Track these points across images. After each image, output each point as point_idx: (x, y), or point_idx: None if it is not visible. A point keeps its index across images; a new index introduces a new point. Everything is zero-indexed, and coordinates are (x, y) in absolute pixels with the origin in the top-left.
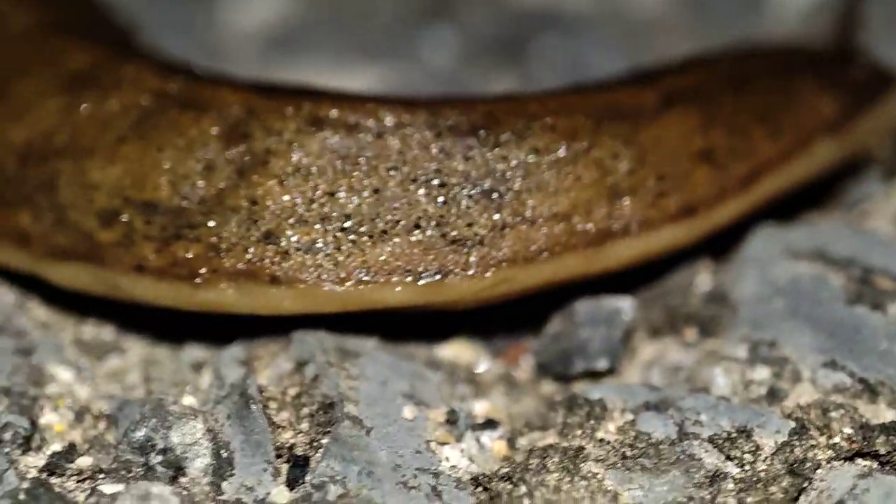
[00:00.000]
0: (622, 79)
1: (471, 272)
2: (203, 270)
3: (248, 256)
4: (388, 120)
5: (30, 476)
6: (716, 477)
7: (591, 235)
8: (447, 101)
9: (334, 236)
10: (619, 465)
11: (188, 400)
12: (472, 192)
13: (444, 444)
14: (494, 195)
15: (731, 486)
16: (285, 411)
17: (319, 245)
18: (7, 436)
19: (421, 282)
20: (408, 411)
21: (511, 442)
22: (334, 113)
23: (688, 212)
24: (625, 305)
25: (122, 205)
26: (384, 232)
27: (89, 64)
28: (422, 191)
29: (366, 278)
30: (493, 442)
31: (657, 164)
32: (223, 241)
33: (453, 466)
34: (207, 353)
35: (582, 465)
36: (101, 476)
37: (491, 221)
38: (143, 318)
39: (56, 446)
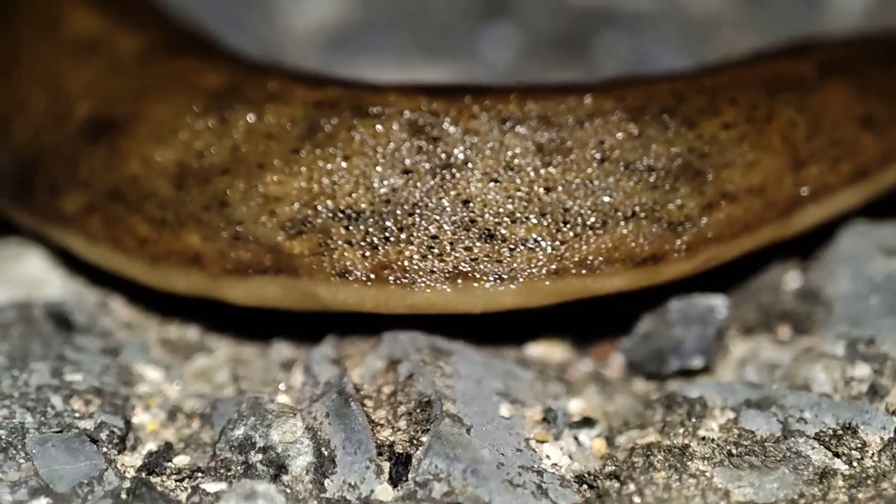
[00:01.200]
0: (765, 53)
1: (684, 254)
2: (419, 272)
3: (467, 255)
4: (583, 109)
5: (129, 475)
6: (825, 474)
7: (781, 206)
8: (622, 83)
9: (552, 230)
10: (726, 462)
11: (283, 398)
12: (678, 173)
13: (542, 442)
14: (698, 174)
15: (840, 482)
16: (382, 409)
17: (538, 239)
18: (103, 435)
19: (639, 267)
20: (504, 409)
21: (609, 440)
22: (530, 107)
23: (860, 175)
24: (718, 304)
25: (312, 214)
26: (603, 222)
27: (227, 81)
28: (633, 176)
29: (585, 269)
30: (592, 440)
31: (829, 130)
32: (438, 242)
33: (555, 464)
34: (295, 352)
35: (689, 463)
36: (201, 475)
37: (699, 201)
38: (226, 318)
39: (151, 445)
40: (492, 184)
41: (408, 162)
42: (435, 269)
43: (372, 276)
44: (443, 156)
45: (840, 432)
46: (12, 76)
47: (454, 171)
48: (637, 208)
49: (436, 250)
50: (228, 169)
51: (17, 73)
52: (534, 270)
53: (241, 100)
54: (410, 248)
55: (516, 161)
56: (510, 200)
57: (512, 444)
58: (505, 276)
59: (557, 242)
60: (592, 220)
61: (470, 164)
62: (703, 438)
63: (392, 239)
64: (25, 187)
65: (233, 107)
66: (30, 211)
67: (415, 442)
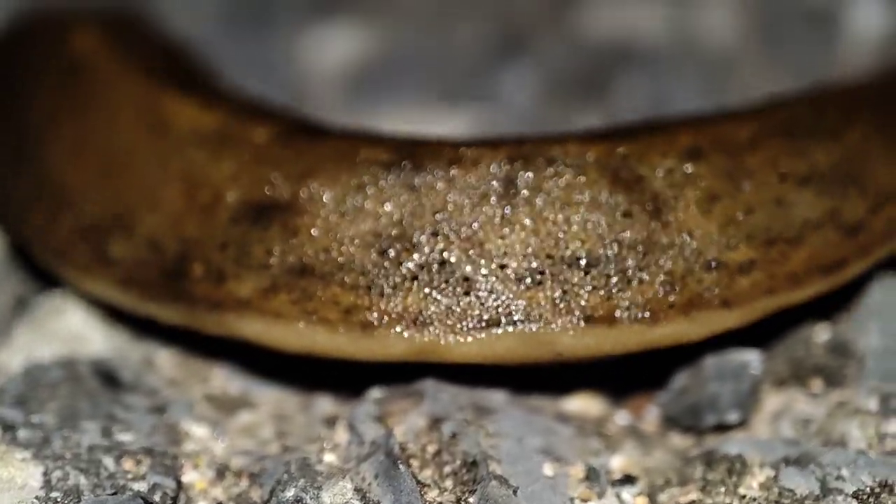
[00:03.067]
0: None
1: (861, 255)
2: (659, 308)
3: (698, 287)
4: (746, 133)
5: None
6: None
7: None
8: (760, 107)
9: (761, 251)
10: None
11: (329, 457)
12: (841, 180)
13: (586, 501)
14: (856, 180)
15: None
16: (428, 469)
17: (753, 261)
18: (157, 497)
19: (828, 274)
20: (548, 468)
21: (651, 497)
22: (704, 140)
23: None
24: (752, 359)
25: (544, 265)
26: (798, 235)
27: (396, 155)
28: (810, 188)
29: (792, 283)
30: (634, 498)
31: None
32: (672, 277)
33: None
34: (337, 407)
35: None
36: None
37: (866, 204)
38: (266, 372)
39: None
40: (703, 216)
41: (622, 206)
42: (673, 304)
43: (611, 319)
44: (651, 196)
45: (878, 490)
46: (123, 175)
47: (667, 208)
48: (820, 218)
49: (672, 284)
50: (437, 232)
51: (128, 171)
52: (754, 292)
53: (422, 168)
54: (652, 287)
55: (714, 190)
56: (721, 229)
57: None
58: (733, 302)
59: (770, 262)
60: (790, 235)
61: (678, 200)
62: (744, 497)
63: (632, 280)
64: (175, 279)
65: (418, 175)
66: (184, 302)
67: (462, 503)
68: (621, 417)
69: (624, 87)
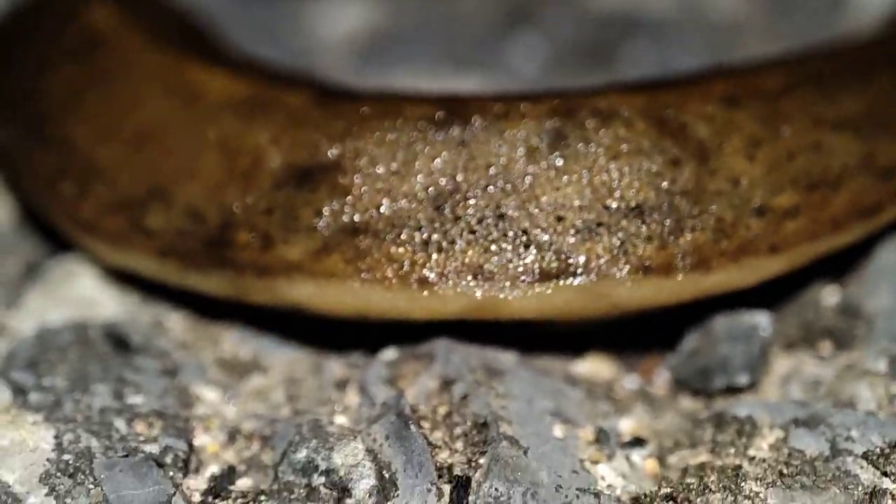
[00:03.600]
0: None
1: (894, 200)
2: (712, 256)
3: (747, 233)
4: (777, 82)
5: (195, 500)
6: (875, 493)
7: None
8: (791, 58)
9: (805, 196)
10: (778, 483)
11: (341, 419)
12: (873, 126)
13: (596, 462)
14: (887, 126)
15: (890, 502)
16: (438, 430)
17: (798, 207)
18: (168, 459)
19: (866, 219)
20: (558, 430)
21: (661, 460)
22: (739, 88)
23: None
24: (762, 320)
25: (601, 216)
26: (838, 180)
27: (438, 110)
28: (845, 133)
29: (834, 228)
30: (644, 460)
31: None
32: (723, 224)
33: (610, 486)
34: (348, 370)
35: (742, 484)
36: (263, 498)
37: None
38: (277, 334)
39: (214, 468)
40: (748, 161)
41: (672, 154)
42: (724, 252)
43: (667, 267)
44: (696, 143)
45: (888, 451)
46: (156, 147)
47: (713, 155)
48: (856, 163)
49: (723, 232)
50: (491, 186)
51: (161, 143)
52: (798, 237)
53: (471, 123)
54: (705, 235)
55: (756, 136)
56: (765, 174)
57: (568, 466)
58: (777, 247)
59: (810, 207)
60: (830, 179)
61: (722, 147)
62: (754, 458)
63: (685, 228)
64: (218, 247)
65: (467, 130)
66: (229, 270)
67: (473, 464)
68: (631, 380)
69: (630, 56)
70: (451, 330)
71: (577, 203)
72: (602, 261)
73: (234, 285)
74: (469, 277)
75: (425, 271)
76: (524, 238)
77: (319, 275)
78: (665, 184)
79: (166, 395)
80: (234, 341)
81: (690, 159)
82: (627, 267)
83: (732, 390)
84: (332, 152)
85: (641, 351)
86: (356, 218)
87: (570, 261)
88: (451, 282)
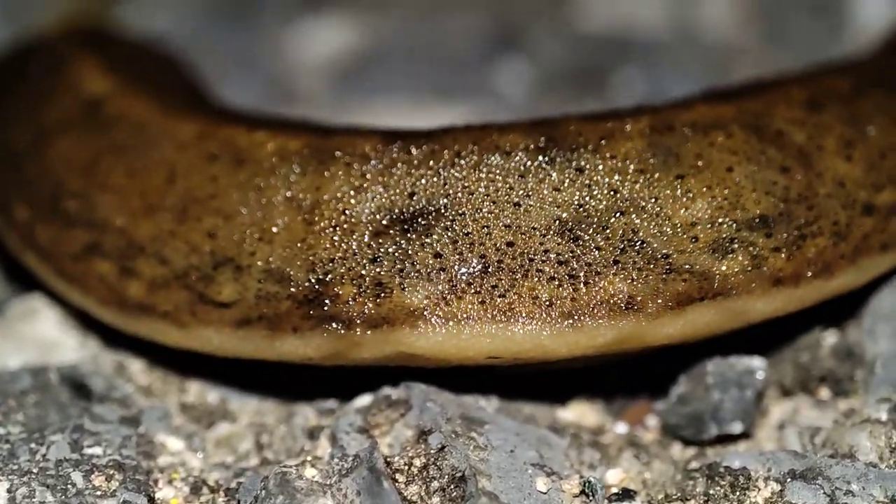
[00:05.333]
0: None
1: None
2: (833, 260)
3: (860, 233)
4: (847, 84)
5: None
6: None
7: None
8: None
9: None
10: None
11: (310, 472)
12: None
13: None
14: None
15: None
16: (414, 484)
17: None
18: None
19: None
20: (541, 483)
21: None
22: (816, 92)
23: None
24: (756, 365)
25: (730, 230)
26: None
27: (536, 140)
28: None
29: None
30: None
31: None
32: (839, 227)
33: None
34: (320, 418)
35: None
36: None
37: None
38: (246, 381)
39: None
40: (847, 162)
41: (779, 158)
42: (843, 255)
43: (797, 276)
44: (796, 148)
45: None
46: (208, 215)
47: (815, 159)
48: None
49: (839, 235)
50: (622, 210)
51: (215, 209)
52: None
53: (575, 148)
54: (824, 238)
55: (847, 136)
56: (866, 173)
57: None
58: (887, 245)
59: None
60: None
61: (821, 150)
62: None
63: (807, 235)
64: (318, 305)
65: (574, 154)
66: (332, 327)
67: None
68: (619, 427)
69: (622, 80)
70: (426, 374)
71: (707, 220)
72: (740, 277)
73: (340, 343)
74: (618, 308)
75: (571, 305)
76: (665, 262)
77: (450, 319)
78: (781, 191)
79: (127, 445)
80: (201, 386)
81: (796, 165)
82: (762, 281)
83: (725, 439)
84: (436, 193)
85: (629, 396)
86: (484, 256)
87: (711, 281)
88: (599, 314)
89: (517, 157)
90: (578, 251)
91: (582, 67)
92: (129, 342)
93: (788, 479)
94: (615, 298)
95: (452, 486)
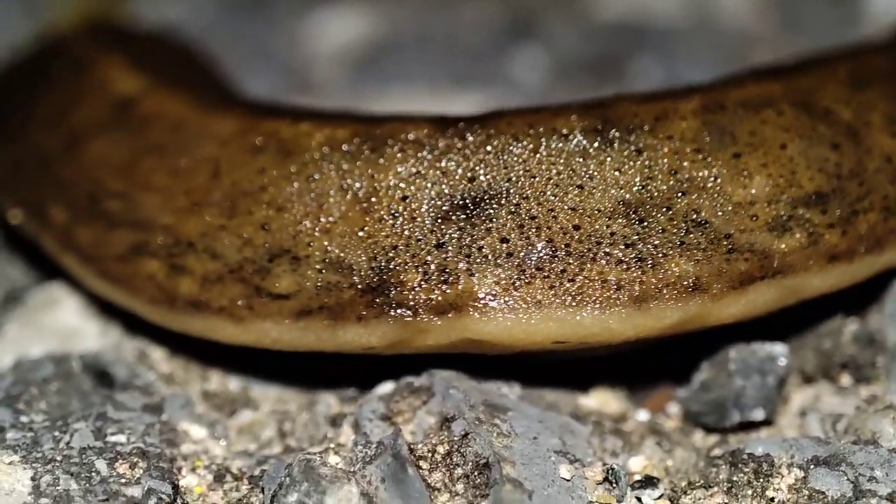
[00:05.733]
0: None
1: None
2: (884, 235)
3: None
4: (884, 63)
5: None
6: None
7: None
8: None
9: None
10: None
11: (334, 459)
12: None
13: None
14: None
15: None
16: (438, 472)
17: None
18: (152, 502)
19: None
20: (564, 470)
21: (673, 501)
22: (858, 69)
23: None
24: (778, 351)
25: (788, 208)
26: None
27: (593, 122)
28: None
29: None
30: (656, 502)
31: None
32: (888, 202)
33: None
34: (342, 406)
35: None
36: None
37: None
38: (267, 368)
39: None
40: (892, 138)
41: (829, 135)
42: (893, 229)
43: (851, 251)
44: (844, 125)
45: None
46: (258, 209)
47: (862, 135)
48: None
49: (889, 210)
50: (683, 191)
51: (265, 203)
52: None
53: (631, 129)
54: (875, 213)
55: (890, 113)
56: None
57: None
58: None
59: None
60: None
61: (868, 126)
62: (773, 500)
63: (859, 211)
64: (381, 293)
65: (631, 136)
66: (398, 314)
67: None
68: (641, 414)
69: (637, 68)
70: (448, 361)
71: (764, 198)
72: (798, 255)
73: (406, 330)
74: (684, 290)
75: (639, 288)
76: (728, 242)
77: (519, 305)
78: (833, 168)
79: (150, 433)
80: (222, 374)
81: (846, 141)
82: (819, 258)
83: (748, 425)
84: (498, 177)
85: (651, 383)
86: (552, 240)
87: (770, 259)
88: (666, 296)
89: (575, 139)
90: (645, 233)
91: (597, 56)
92: (150, 330)
93: (812, 466)
94: (682, 280)
95: (476, 473)
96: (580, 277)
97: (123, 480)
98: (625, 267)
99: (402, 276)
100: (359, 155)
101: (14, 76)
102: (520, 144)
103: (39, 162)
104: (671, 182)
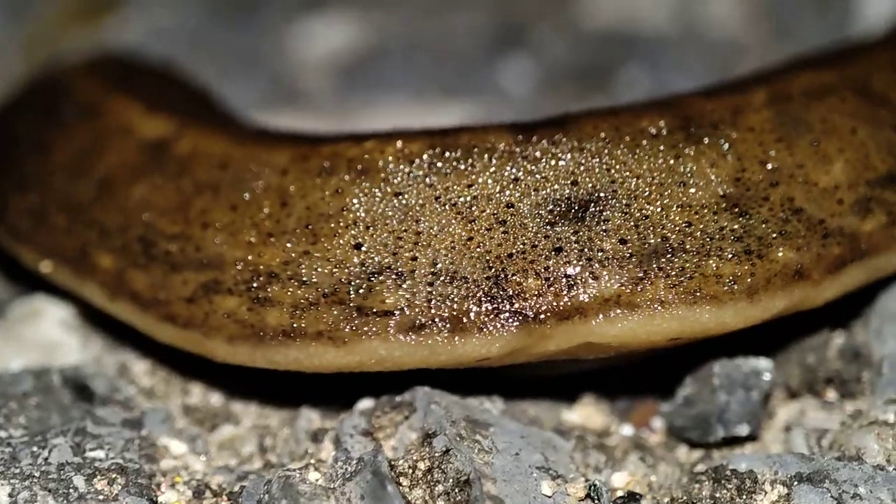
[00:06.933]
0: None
1: None
2: None
3: None
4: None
5: None
6: None
7: None
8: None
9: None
10: None
11: (314, 475)
12: None
13: None
14: None
15: None
16: (418, 488)
17: None
18: None
19: None
20: (546, 486)
21: None
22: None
23: None
24: (763, 366)
25: (867, 190)
26: None
27: (675, 121)
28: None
29: None
30: None
31: None
32: None
33: None
34: (324, 421)
35: None
36: None
37: None
38: (249, 383)
39: None
40: None
41: (889, 118)
42: None
43: None
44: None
45: None
46: (344, 231)
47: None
48: None
49: None
50: (776, 180)
51: (352, 224)
52: None
53: (715, 127)
54: None
55: None
56: None
57: None
58: None
59: None
60: None
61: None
62: None
63: None
64: (500, 300)
65: (720, 132)
66: (524, 320)
67: None
68: (625, 429)
69: (626, 78)
70: (429, 376)
71: (846, 182)
72: (881, 235)
73: (529, 338)
74: (789, 278)
75: (750, 281)
76: (822, 228)
77: (643, 305)
78: (889, 145)
79: (130, 448)
80: (204, 388)
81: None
82: None
83: (732, 441)
84: (602, 179)
85: (635, 398)
86: (667, 239)
87: (858, 242)
88: (774, 286)
89: (666, 138)
90: (749, 225)
91: (586, 65)
92: (131, 344)
93: (795, 483)
94: (787, 269)
95: (457, 490)
96: (698, 274)
97: (101, 497)
98: (737, 261)
99: (522, 284)
100: (445, 166)
101: (13, 116)
102: (618, 146)
103: (70, 210)
104: (763, 173)
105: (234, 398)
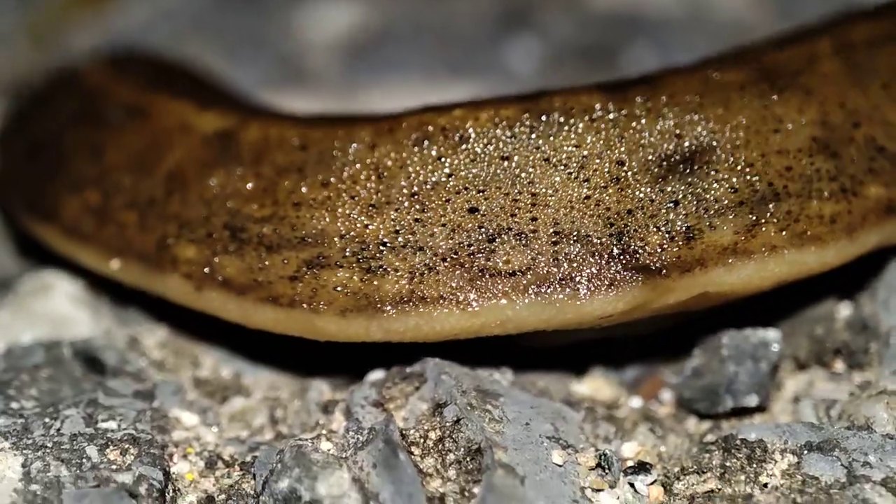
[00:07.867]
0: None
1: None
2: None
3: None
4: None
5: None
6: None
7: None
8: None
9: None
10: None
11: (325, 445)
12: None
13: (598, 490)
14: None
15: None
16: (430, 457)
17: None
18: (142, 489)
19: None
20: (557, 456)
21: (667, 487)
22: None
23: None
24: (772, 337)
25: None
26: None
27: (755, 75)
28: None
29: None
30: (649, 487)
31: None
32: None
33: None
34: (334, 392)
35: None
36: None
37: None
38: (259, 353)
39: (192, 498)
40: None
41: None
42: None
43: None
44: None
45: None
46: (448, 204)
47: None
48: None
49: None
50: (856, 122)
51: (461, 193)
52: None
53: (793, 75)
54: None
55: None
56: None
57: (568, 496)
58: None
59: None
60: None
61: None
62: (766, 486)
63: None
64: (626, 257)
65: (799, 81)
66: (643, 277)
67: (466, 493)
68: (634, 401)
69: (632, 58)
70: (439, 348)
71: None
72: None
73: (653, 293)
74: (882, 213)
75: (848, 219)
76: (874, 165)
77: (758, 251)
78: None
79: (142, 420)
80: (215, 360)
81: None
82: None
83: (741, 411)
84: (703, 131)
85: (643, 370)
86: (772, 184)
87: (891, 198)
88: (868, 222)
89: (752, 90)
90: (842, 165)
91: (592, 45)
92: (141, 316)
93: (805, 451)
94: (879, 205)
95: (468, 459)
96: (803, 216)
97: (114, 467)
98: (835, 200)
99: (644, 239)
100: (548, 129)
101: (40, 115)
102: (712, 99)
103: (140, 207)
104: (844, 115)
105: (244, 370)
